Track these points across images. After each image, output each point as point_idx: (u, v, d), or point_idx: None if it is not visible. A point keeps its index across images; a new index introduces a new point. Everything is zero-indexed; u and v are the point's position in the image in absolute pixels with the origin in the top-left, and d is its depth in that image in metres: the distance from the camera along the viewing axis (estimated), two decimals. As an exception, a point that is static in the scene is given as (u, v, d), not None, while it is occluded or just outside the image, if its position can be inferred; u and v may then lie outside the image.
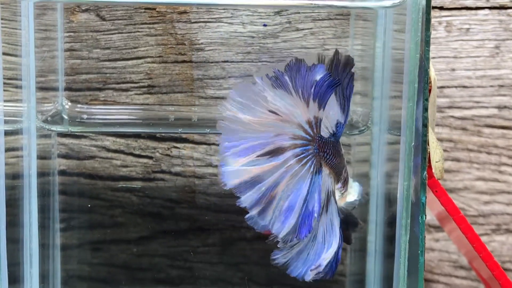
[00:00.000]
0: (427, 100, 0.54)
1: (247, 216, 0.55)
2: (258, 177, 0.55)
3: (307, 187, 0.55)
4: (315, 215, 0.55)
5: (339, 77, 0.57)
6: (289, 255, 0.57)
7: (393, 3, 0.56)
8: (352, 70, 0.57)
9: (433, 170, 0.55)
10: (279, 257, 0.57)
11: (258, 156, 0.55)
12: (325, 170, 0.57)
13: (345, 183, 0.59)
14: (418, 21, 0.54)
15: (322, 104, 0.56)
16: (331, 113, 0.57)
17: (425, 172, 0.52)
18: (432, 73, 0.56)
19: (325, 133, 0.57)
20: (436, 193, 0.54)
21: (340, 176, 0.58)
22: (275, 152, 0.55)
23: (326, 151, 0.56)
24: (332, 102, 0.57)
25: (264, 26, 0.68)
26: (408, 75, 0.55)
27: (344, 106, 0.57)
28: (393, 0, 0.56)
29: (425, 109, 0.55)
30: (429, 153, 0.55)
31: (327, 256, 0.56)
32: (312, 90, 0.55)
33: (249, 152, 0.55)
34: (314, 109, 0.56)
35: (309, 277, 0.56)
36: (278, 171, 0.55)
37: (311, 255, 0.57)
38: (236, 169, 0.54)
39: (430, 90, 0.55)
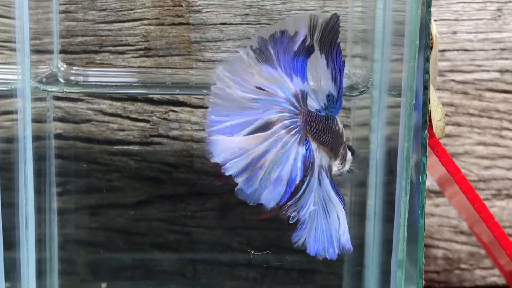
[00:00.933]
0: (428, 60, 0.53)
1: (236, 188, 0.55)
2: (246, 147, 0.55)
3: (293, 156, 0.55)
4: (297, 182, 0.55)
5: (324, 45, 0.56)
6: (304, 235, 0.57)
7: None
8: (338, 36, 0.57)
9: (434, 129, 0.54)
10: (297, 239, 0.57)
11: (245, 135, 0.55)
12: (313, 145, 0.56)
13: (343, 160, 0.59)
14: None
15: (303, 76, 0.56)
16: (323, 84, 0.57)
17: (426, 131, 0.52)
18: (434, 29, 0.55)
19: (316, 105, 0.57)
20: (437, 153, 0.53)
21: (337, 152, 0.58)
22: (263, 128, 0.55)
23: (314, 126, 0.56)
24: (324, 73, 0.57)
25: None
26: (409, 34, 0.54)
27: (336, 77, 0.57)
28: None
29: (426, 71, 0.54)
30: (429, 112, 0.54)
31: (340, 233, 0.57)
32: (293, 63, 0.55)
33: (236, 130, 0.55)
34: (298, 82, 0.56)
35: (334, 255, 0.57)
36: (267, 141, 0.55)
37: (318, 231, 0.57)
38: (224, 139, 0.54)
39: (431, 48, 0.54)
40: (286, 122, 0.55)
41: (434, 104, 0.54)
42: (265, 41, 0.54)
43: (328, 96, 0.57)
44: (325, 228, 0.57)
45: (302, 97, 0.56)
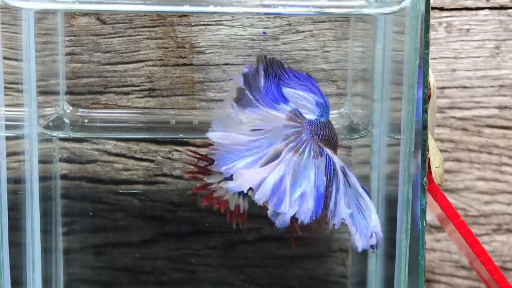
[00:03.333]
0: (426, 103, 0.54)
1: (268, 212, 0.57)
2: (265, 175, 0.56)
3: (313, 171, 0.57)
4: (323, 192, 0.57)
5: (280, 70, 0.59)
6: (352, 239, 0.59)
7: (392, 10, 0.56)
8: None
9: (433, 176, 0.55)
10: (354, 245, 0.58)
11: (261, 167, 0.57)
12: (328, 150, 0.58)
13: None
14: (417, 27, 0.54)
15: (285, 100, 0.58)
16: (305, 102, 0.59)
17: (425, 178, 0.52)
18: (432, 79, 0.56)
19: (313, 116, 0.59)
20: (436, 198, 0.54)
21: (337, 151, 0.60)
22: (274, 157, 0.57)
23: (320, 133, 0.58)
24: (298, 95, 0.59)
25: (263, 34, 0.68)
26: (407, 78, 0.55)
27: (310, 86, 0.59)
28: (392, 7, 0.56)
29: (425, 112, 0.55)
30: (429, 159, 0.55)
31: (374, 224, 0.58)
32: (269, 94, 0.57)
33: (251, 165, 0.56)
34: (284, 107, 0.58)
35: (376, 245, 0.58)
36: (279, 167, 0.57)
37: (360, 229, 0.58)
38: (244, 172, 0.56)
39: (429, 96, 0.55)
40: (291, 144, 0.57)
41: (433, 151, 0.55)
42: (242, 89, 0.57)
43: (317, 104, 0.59)
44: (363, 224, 0.58)
45: (296, 115, 0.58)
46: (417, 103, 0.54)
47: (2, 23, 0.57)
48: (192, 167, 0.61)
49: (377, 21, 0.62)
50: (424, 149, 0.54)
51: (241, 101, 0.57)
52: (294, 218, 0.58)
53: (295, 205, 0.57)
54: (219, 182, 0.62)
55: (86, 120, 0.67)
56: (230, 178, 0.57)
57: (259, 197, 0.56)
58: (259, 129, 0.57)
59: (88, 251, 0.71)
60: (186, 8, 0.56)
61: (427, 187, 0.52)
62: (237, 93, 0.57)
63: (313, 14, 0.57)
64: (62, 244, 0.69)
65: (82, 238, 0.71)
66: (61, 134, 0.65)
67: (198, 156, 0.60)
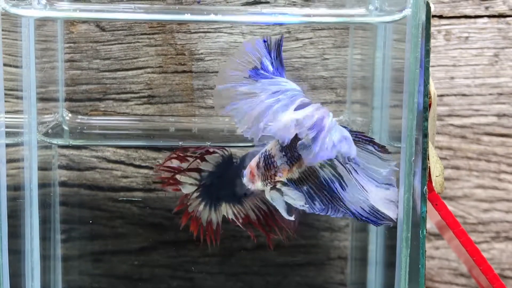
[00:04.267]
0: (427, 110, 0.54)
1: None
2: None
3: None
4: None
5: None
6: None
7: (393, 19, 0.56)
8: None
9: (433, 184, 0.55)
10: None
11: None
12: None
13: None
14: (418, 36, 0.54)
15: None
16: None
17: (426, 187, 0.52)
18: (432, 88, 0.56)
19: None
20: (436, 207, 0.54)
21: None
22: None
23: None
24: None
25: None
26: (408, 86, 0.55)
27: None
28: (393, 16, 0.56)
29: (425, 119, 0.55)
30: (429, 167, 0.55)
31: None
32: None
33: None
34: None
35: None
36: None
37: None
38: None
39: (430, 105, 0.55)
40: (317, 105, 0.55)
41: (433, 160, 0.55)
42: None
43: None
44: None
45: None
46: (417, 111, 0.54)
47: (2, 30, 0.57)
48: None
49: (377, 29, 0.62)
50: (425, 157, 0.54)
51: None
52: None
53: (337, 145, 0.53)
54: (192, 193, 0.61)
55: (85, 127, 0.67)
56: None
57: (302, 130, 0.52)
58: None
59: (87, 259, 0.71)
60: (187, 17, 0.56)
61: (427, 196, 0.52)
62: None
63: (314, 23, 0.57)
64: (61, 251, 0.69)
65: (80, 245, 0.71)
66: (60, 141, 0.65)
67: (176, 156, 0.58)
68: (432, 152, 0.56)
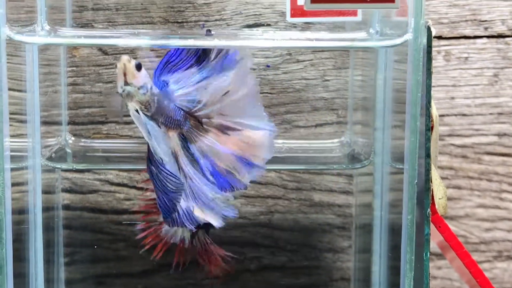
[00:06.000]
0: (429, 131, 0.54)
1: None
2: None
3: None
4: None
5: None
6: None
7: (394, 43, 0.56)
8: None
9: (436, 207, 0.55)
10: None
11: None
12: None
13: None
14: (419, 60, 0.54)
15: None
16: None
17: (429, 209, 0.52)
18: (434, 111, 0.56)
19: None
20: (440, 229, 0.54)
21: None
22: None
23: None
24: None
25: (267, 67, 0.68)
26: (410, 107, 0.55)
27: None
28: (394, 40, 0.56)
29: (428, 140, 0.55)
30: (432, 190, 0.55)
31: None
32: None
33: None
34: None
35: None
36: None
37: None
38: None
39: (432, 128, 0.55)
40: None
41: (436, 182, 0.55)
42: None
43: None
44: None
45: None
46: (419, 133, 0.54)
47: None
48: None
49: (378, 51, 0.62)
50: (428, 179, 0.54)
51: None
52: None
53: None
54: (160, 223, 0.62)
55: (88, 150, 0.67)
56: None
57: None
58: None
59: (90, 282, 0.71)
60: (190, 42, 0.56)
61: (430, 218, 0.52)
62: None
63: (316, 47, 0.57)
64: (64, 274, 0.69)
65: (83, 268, 0.71)
66: (64, 166, 0.65)
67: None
68: (435, 175, 0.56)
